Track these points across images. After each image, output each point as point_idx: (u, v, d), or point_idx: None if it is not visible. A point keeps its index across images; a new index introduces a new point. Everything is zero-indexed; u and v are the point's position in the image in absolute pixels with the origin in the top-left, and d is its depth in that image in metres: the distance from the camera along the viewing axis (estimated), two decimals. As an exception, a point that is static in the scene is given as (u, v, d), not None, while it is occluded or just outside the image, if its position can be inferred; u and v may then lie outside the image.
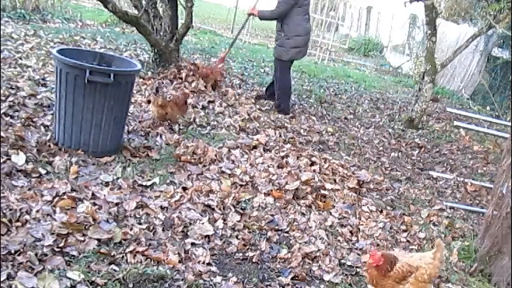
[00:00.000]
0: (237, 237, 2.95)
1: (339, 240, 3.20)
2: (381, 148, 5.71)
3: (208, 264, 2.61)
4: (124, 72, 3.49)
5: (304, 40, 5.80)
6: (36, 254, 2.26)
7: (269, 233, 3.06)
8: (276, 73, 6.02)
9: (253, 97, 6.08)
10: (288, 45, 5.68)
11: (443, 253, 2.48)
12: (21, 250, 2.27)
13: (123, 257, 2.46)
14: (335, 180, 4.04)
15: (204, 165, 3.77)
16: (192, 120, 4.69)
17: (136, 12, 5.79)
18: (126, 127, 3.89)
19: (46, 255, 2.29)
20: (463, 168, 5.54)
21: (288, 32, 5.64)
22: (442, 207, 4.17)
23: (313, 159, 4.32)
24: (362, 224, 3.47)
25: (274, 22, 6.00)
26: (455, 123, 5.15)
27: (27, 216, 2.51)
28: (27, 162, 3.10)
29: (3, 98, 3.85)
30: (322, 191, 3.74)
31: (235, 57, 8.69)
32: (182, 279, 2.41)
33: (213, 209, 3.15)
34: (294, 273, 2.70)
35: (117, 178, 3.25)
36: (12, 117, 3.67)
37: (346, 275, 2.83)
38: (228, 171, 3.74)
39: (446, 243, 3.36)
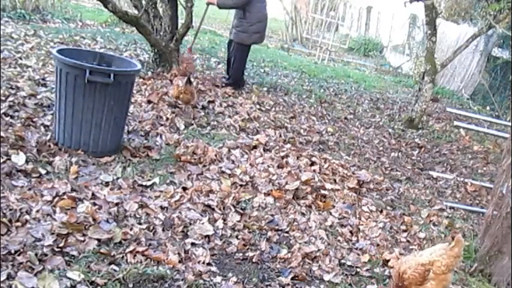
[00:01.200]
0: (237, 237, 2.95)
1: (339, 240, 3.20)
2: (381, 148, 5.71)
3: (208, 264, 2.61)
4: (124, 72, 3.49)
5: (264, 25, 6.24)
6: (36, 254, 2.26)
7: (269, 233, 3.06)
8: (235, 56, 6.26)
9: (222, 86, 6.13)
10: (251, 31, 6.06)
11: (461, 249, 2.46)
12: (21, 250, 2.27)
13: (123, 257, 2.46)
14: (335, 180, 4.04)
15: (204, 165, 3.77)
16: (192, 120, 4.69)
17: (136, 12, 5.79)
18: (126, 127, 3.89)
19: (46, 255, 2.30)
20: (463, 168, 5.54)
21: (251, 19, 6.00)
22: (442, 207, 4.17)
23: (313, 159, 4.32)
24: (362, 224, 3.47)
25: (232, 12, 6.33)
26: (455, 123, 5.15)
27: (27, 216, 2.51)
28: (27, 162, 3.10)
29: (3, 98, 3.85)
30: (322, 191, 3.74)
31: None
32: (182, 279, 2.41)
33: (213, 209, 3.15)
34: (294, 273, 2.70)
35: (117, 178, 3.25)
36: (12, 117, 3.67)
37: (346, 275, 2.83)
38: (228, 171, 3.74)
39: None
